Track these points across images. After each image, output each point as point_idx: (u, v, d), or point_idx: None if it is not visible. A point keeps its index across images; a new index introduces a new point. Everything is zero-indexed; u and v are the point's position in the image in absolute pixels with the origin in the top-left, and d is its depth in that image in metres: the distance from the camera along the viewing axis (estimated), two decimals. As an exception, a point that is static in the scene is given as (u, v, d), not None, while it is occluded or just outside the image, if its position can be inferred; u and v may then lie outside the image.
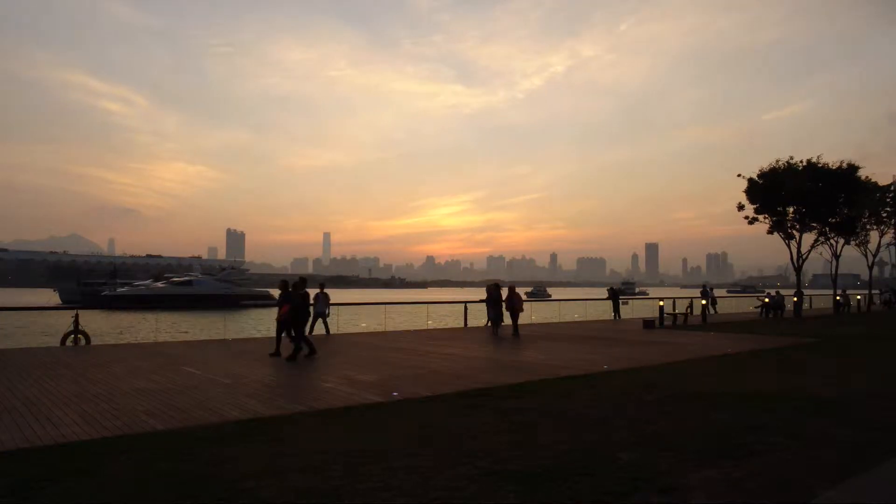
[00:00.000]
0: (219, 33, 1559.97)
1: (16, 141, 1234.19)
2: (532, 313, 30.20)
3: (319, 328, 18.21)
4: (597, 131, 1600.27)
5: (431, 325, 24.63)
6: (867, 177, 34.47)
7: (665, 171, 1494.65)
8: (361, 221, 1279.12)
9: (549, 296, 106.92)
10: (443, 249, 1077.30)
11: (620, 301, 30.05)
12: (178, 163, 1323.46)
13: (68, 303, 56.63)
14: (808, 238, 33.89)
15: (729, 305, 39.87)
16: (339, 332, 20.08)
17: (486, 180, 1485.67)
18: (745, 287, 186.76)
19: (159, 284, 70.68)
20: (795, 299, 33.70)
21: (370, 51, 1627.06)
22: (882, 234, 40.89)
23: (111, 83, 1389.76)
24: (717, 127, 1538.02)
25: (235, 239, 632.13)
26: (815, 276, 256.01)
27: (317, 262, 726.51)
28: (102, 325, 31.31)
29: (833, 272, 38.40)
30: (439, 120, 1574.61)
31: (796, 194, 31.43)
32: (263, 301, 64.94)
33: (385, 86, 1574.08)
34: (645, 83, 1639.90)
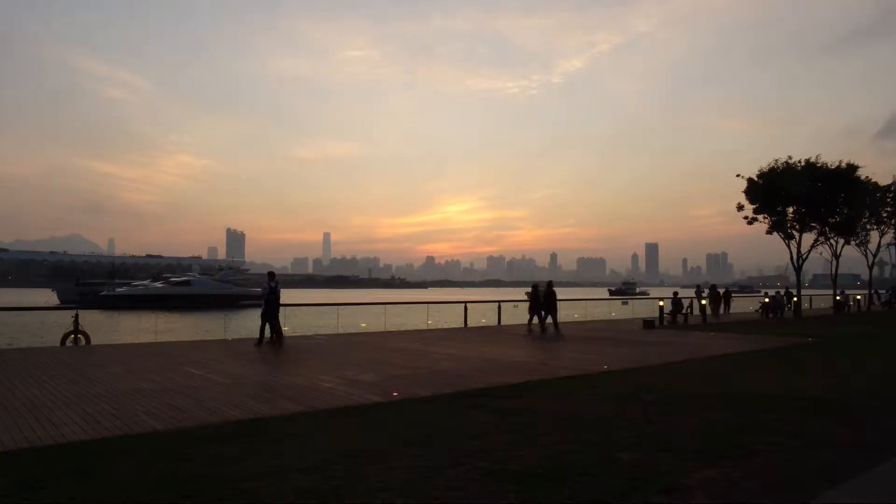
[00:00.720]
0: (227, 7, 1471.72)
1: (16, 131, 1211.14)
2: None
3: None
4: (631, 121, 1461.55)
5: (431, 325, 24.63)
6: (867, 177, 34.54)
7: (687, 166, 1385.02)
8: (371, 219, 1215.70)
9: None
10: (451, 249, 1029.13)
11: (621, 302, 29.46)
12: (182, 155, 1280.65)
13: (66, 303, 56.56)
14: (808, 238, 33.94)
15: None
16: (340, 332, 20.09)
17: (505, 175, 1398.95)
18: (743, 287, 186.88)
19: (158, 284, 70.75)
20: (795, 299, 33.74)
21: (396, 26, 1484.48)
22: (882, 234, 40.98)
23: (113, 65, 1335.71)
24: (756, 118, 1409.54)
25: (235, 239, 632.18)
26: (815, 275, 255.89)
27: (317, 262, 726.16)
28: (102, 326, 31.31)
29: (833, 272, 38.42)
30: (465, 108, 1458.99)
31: (795, 195, 31.45)
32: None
33: (410, 67, 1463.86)
34: (695, 64, 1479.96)
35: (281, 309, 16.64)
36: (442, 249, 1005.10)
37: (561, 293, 23.75)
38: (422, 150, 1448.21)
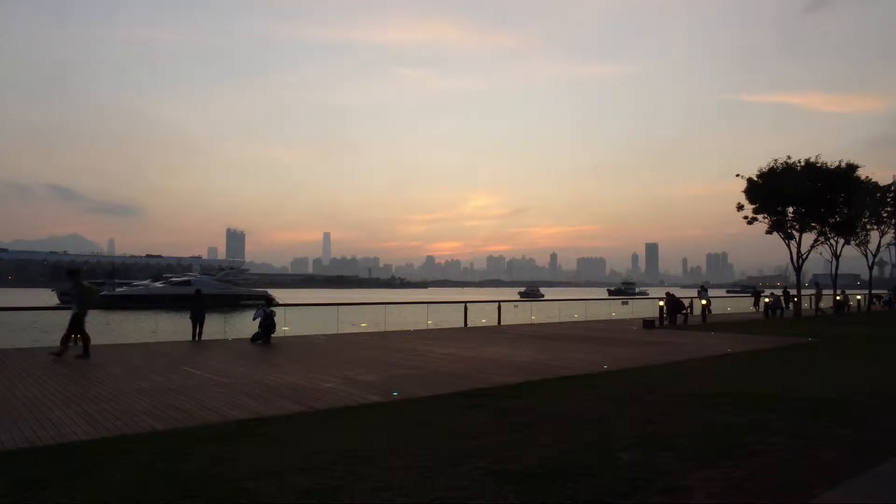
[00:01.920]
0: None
1: (15, 126, 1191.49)
2: (532, 313, 30.21)
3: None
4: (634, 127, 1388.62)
5: (431, 325, 24.62)
6: (867, 177, 34.53)
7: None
8: (382, 215, 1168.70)
9: (542, 296, 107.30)
10: (461, 247, 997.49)
11: (621, 302, 29.43)
12: (185, 148, 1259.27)
13: (67, 303, 56.58)
14: (808, 238, 33.93)
15: (729, 305, 39.85)
16: (340, 333, 20.08)
17: (528, 169, 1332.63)
18: (744, 287, 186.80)
19: (158, 284, 70.67)
20: (795, 299, 33.74)
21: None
22: (882, 234, 40.93)
23: (113, 55, 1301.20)
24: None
25: (235, 239, 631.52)
26: (814, 275, 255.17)
27: (317, 261, 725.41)
28: (102, 326, 31.29)
29: (833, 272, 38.41)
30: (514, 94, 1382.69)
31: (795, 195, 31.43)
32: (263, 301, 64.97)
33: (444, 34, 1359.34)
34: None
35: (280, 308, 18.41)
36: (451, 248, 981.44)
37: (561, 293, 23.71)
38: (454, 142, 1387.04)
